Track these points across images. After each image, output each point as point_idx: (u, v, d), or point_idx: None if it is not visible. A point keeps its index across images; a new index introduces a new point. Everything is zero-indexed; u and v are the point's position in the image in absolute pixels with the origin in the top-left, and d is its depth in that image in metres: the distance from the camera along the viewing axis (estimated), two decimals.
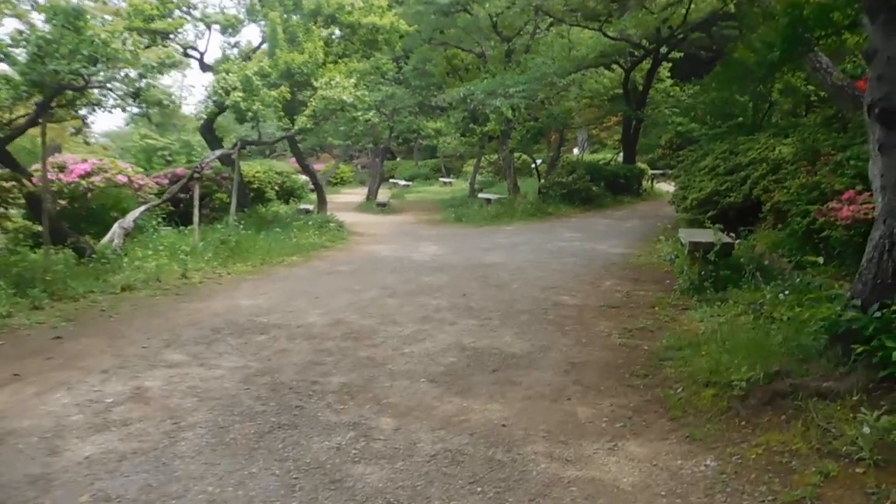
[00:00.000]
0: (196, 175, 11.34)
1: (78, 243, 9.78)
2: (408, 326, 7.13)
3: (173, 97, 16.26)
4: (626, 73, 22.27)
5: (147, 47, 13.93)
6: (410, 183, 35.23)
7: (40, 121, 8.92)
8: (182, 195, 15.84)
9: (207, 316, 7.51)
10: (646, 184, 24.99)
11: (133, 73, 8.83)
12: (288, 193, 23.16)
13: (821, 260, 6.85)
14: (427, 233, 16.46)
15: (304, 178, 33.76)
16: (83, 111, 9.85)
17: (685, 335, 6.51)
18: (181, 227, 13.42)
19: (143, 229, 11.67)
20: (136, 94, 9.12)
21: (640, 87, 23.44)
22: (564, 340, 6.63)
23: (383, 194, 27.53)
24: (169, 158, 24.82)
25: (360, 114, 12.89)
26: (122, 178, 11.79)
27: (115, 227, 10.58)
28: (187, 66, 19.16)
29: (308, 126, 12.68)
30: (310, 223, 14.67)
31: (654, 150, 32.10)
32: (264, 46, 14.94)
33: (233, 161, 16.78)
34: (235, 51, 16.76)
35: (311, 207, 18.91)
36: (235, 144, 13.32)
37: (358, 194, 28.15)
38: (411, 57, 24.05)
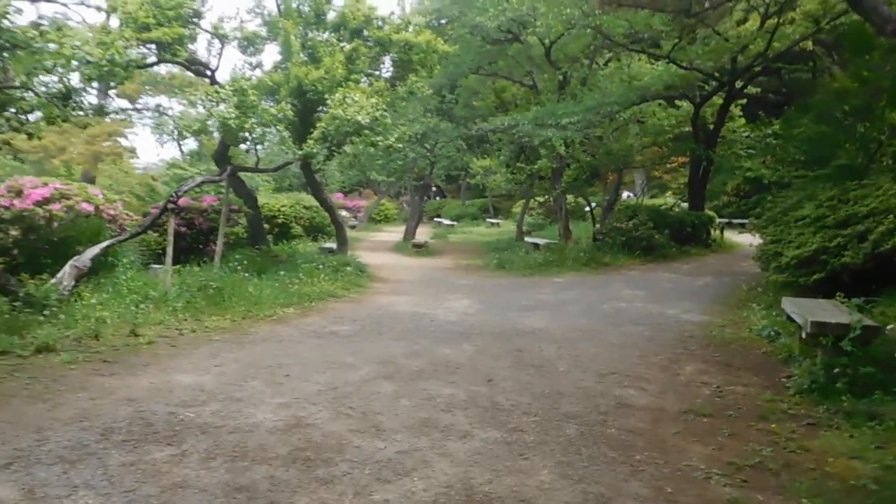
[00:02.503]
0: (171, 205, 9.31)
1: (7, 283, 7.77)
2: (394, 439, 4.75)
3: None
4: (696, 109, 19.73)
5: (147, 62, 12.22)
6: (456, 223, 33.18)
7: None
8: (184, 229, 14.01)
9: (115, 403, 5.26)
10: (715, 233, 22.17)
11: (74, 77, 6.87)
12: (316, 229, 21.27)
13: None
14: (461, 282, 14.10)
15: (343, 213, 32.47)
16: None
17: (838, 490, 3.97)
18: (184, 266, 11.47)
19: (110, 267, 9.67)
20: (65, 97, 7.18)
21: (711, 125, 20.84)
22: (635, 487, 4.14)
23: (423, 234, 25.44)
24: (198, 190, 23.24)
25: (380, 139, 10.77)
26: (86, 206, 9.82)
27: (68, 265, 8.57)
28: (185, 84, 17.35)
29: (315, 151, 10.57)
30: (322, 266, 12.50)
31: (718, 198, 29.28)
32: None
33: (249, 192, 14.94)
34: (258, 72, 14.93)
35: (335, 246, 16.84)
36: (224, 170, 11.31)
37: (398, 233, 26.06)
38: (457, 90, 22.14)
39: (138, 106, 34.29)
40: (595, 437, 5.02)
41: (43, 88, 7.34)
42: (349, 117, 10.11)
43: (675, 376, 6.93)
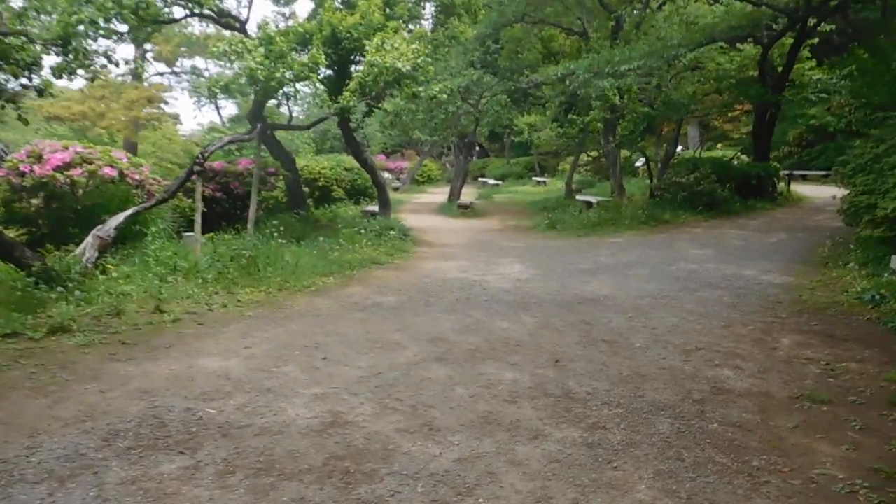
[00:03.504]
0: (197, 167, 8.54)
1: (22, 256, 7.14)
2: (451, 442, 3.91)
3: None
4: (765, 50, 18.08)
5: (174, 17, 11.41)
6: (500, 182, 32.07)
7: None
8: (219, 194, 13.35)
9: (126, 397, 4.54)
10: (781, 186, 20.62)
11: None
12: (359, 192, 20.48)
13: None
14: (512, 244, 13.15)
15: (386, 175, 31.63)
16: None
17: None
18: (217, 234, 10.82)
19: (138, 237, 9.01)
20: (64, 42, 6.37)
21: (780, 69, 19.15)
22: None
23: (468, 195, 24.45)
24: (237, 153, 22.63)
25: (422, 90, 9.76)
26: (109, 171, 9.12)
27: (90, 235, 7.91)
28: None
29: (351, 104, 9.62)
30: (364, 230, 11.67)
31: (778, 148, 27.44)
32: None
33: (286, 154, 14.17)
34: (290, 24, 14.00)
35: (377, 209, 16.04)
36: (253, 128, 10.44)
37: (442, 193, 25.11)
38: (501, 41, 20.80)
39: (176, 69, 33.81)
40: (695, 434, 4.11)
41: (46, 34, 6.57)
42: (388, 65, 9.11)
43: (772, 351, 5.94)
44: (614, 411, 4.45)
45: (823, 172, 25.23)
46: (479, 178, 34.43)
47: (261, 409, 4.35)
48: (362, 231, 11.48)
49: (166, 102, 36.01)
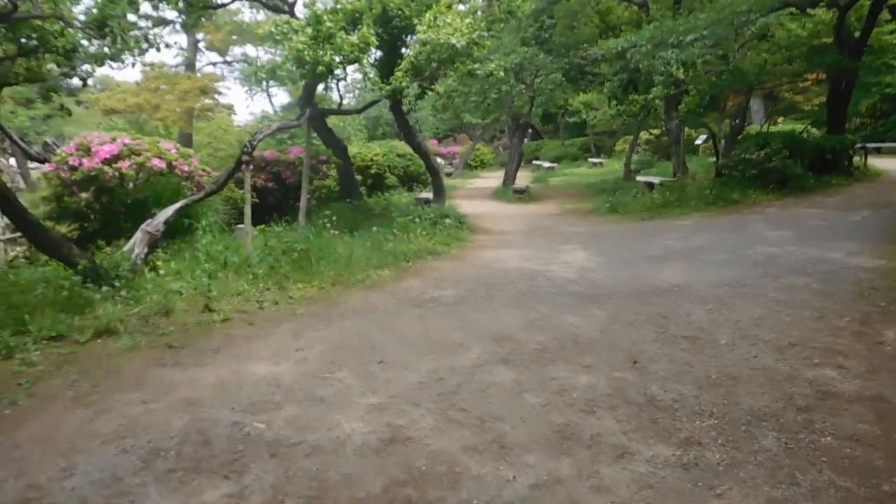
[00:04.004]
0: (245, 157, 8.23)
1: (70, 253, 6.96)
2: (525, 463, 3.45)
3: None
4: (842, 12, 16.83)
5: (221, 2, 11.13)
6: (556, 165, 31.28)
7: None
8: (271, 184, 13.13)
9: (170, 408, 4.22)
10: (857, 160, 19.30)
11: None
12: (412, 179, 20.10)
13: None
14: (573, 229, 12.55)
15: (438, 161, 31.19)
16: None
17: None
18: (270, 225, 10.58)
19: (189, 231, 8.80)
20: (100, 25, 6.09)
21: (857, 33, 17.84)
22: None
23: (523, 178, 23.84)
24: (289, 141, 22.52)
25: (477, 66, 9.23)
26: (157, 163, 8.91)
27: (139, 230, 7.71)
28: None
29: (403, 85, 9.15)
30: (419, 218, 11.25)
31: (850, 120, 25.86)
32: None
33: (338, 142, 13.86)
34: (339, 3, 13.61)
35: (431, 196, 15.61)
36: (303, 114, 10.08)
37: (496, 178, 24.53)
38: (555, 14, 20.02)
39: (228, 58, 33.96)
40: (807, 451, 3.55)
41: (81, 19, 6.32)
42: (441, 41, 8.61)
43: (878, 346, 5.28)
44: (708, 423, 3.92)
45: None
46: (534, 161, 33.72)
47: (313, 422, 3.98)
48: (417, 220, 11.06)
49: (220, 93, 36.23)
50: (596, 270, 8.40)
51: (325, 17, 8.28)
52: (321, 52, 8.05)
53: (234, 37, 34.44)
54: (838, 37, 17.25)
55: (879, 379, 4.57)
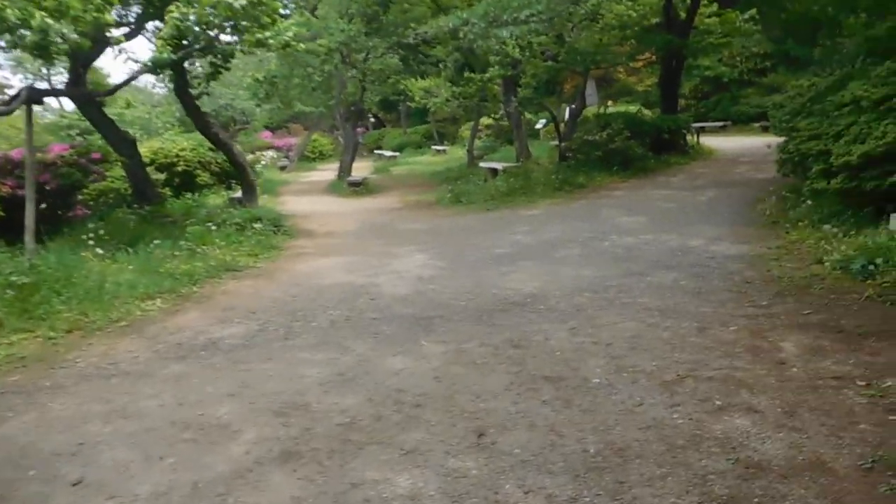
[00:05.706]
0: None
1: None
2: None
3: None
4: None
5: None
6: (398, 154, 29.78)
7: None
8: (21, 192, 10.44)
9: None
10: (691, 139, 19.42)
11: None
12: (230, 177, 17.63)
13: None
14: (411, 226, 11.02)
15: (270, 154, 28.65)
16: None
17: None
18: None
19: None
20: None
21: (683, 15, 17.76)
22: None
23: (361, 169, 22.10)
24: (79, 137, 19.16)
25: (269, 35, 7.30)
26: None
27: None
28: None
29: (165, 56, 7.05)
30: (220, 225, 9.17)
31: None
32: None
33: (121, 135, 11.33)
34: None
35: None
36: (16, 95, 7.61)
37: (333, 171, 22.58)
38: None
39: None
40: None
41: None
42: (214, 1, 6.58)
43: (781, 368, 4.17)
44: None
45: (720, 123, 25.08)
46: (375, 151, 32.06)
47: None
48: (217, 226, 8.97)
49: None
50: (434, 280, 6.87)
51: None
52: (27, 10, 5.66)
53: None
54: (667, 16, 17.06)
55: (805, 427, 3.37)
